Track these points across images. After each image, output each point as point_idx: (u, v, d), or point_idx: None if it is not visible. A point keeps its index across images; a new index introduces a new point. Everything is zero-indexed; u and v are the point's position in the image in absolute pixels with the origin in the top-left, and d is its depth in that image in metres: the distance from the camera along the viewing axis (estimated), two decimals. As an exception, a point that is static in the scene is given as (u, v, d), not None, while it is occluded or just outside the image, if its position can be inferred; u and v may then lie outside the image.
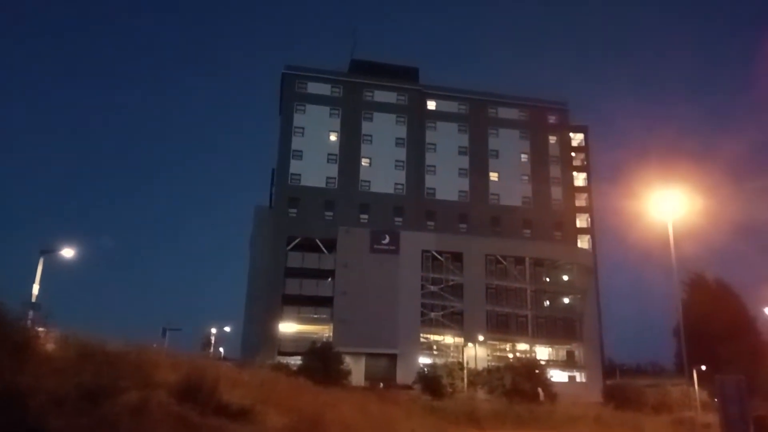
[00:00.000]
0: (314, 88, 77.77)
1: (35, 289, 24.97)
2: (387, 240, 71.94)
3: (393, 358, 67.26)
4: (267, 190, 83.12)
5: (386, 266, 69.87)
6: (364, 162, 76.44)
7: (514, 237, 76.07)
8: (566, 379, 70.71)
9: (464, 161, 79.49)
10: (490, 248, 74.39)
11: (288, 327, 68.61)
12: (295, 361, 56.04)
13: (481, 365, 62.19)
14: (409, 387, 57.44)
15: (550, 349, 74.94)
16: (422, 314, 70.29)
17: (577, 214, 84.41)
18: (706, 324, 54.62)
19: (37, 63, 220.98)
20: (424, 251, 72.55)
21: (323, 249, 70.80)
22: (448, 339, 71.79)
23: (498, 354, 70.99)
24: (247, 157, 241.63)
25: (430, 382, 52.96)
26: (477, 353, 64.25)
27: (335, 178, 74.85)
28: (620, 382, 65.34)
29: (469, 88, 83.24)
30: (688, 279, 66.54)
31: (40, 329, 13.88)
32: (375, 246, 71.38)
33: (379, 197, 74.70)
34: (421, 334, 70.12)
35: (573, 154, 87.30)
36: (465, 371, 56.43)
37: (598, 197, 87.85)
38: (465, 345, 66.56)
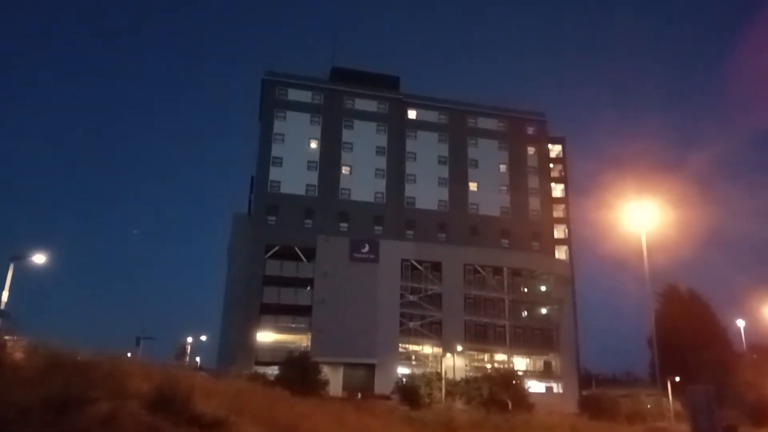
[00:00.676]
0: (295, 95, 77.63)
1: (4, 296, 24.38)
2: (366, 249, 71.82)
3: (371, 368, 66.96)
4: (246, 197, 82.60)
5: (365, 275, 69.69)
6: (345, 170, 76.38)
7: (493, 247, 76.56)
8: (543, 390, 71.08)
9: (444, 171, 79.93)
10: (468, 258, 74.72)
11: (265, 336, 67.90)
12: (273, 371, 55.39)
13: (460, 375, 62.29)
14: (387, 397, 57.18)
15: (528, 359, 75.32)
16: (401, 324, 70.18)
17: (555, 225, 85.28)
18: (679, 334, 55.58)
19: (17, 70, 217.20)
20: (403, 260, 72.58)
21: (302, 257, 70.39)
22: (427, 349, 71.74)
23: (476, 364, 71.16)
24: (226, 163, 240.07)
25: (408, 393, 52.79)
26: (455, 363, 64.33)
27: (315, 186, 74.62)
28: (596, 393, 65.87)
29: (450, 97, 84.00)
30: (661, 290, 67.65)
31: (8, 338, 13.53)
32: (354, 255, 71.20)
33: (359, 206, 74.64)
34: (400, 344, 69.97)
35: (551, 165, 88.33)
36: (443, 381, 56.41)
37: (576, 208, 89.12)
38: (443, 355, 66.58)
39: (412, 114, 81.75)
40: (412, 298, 71.81)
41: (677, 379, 52.04)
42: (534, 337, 74.61)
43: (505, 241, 78.61)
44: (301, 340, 67.98)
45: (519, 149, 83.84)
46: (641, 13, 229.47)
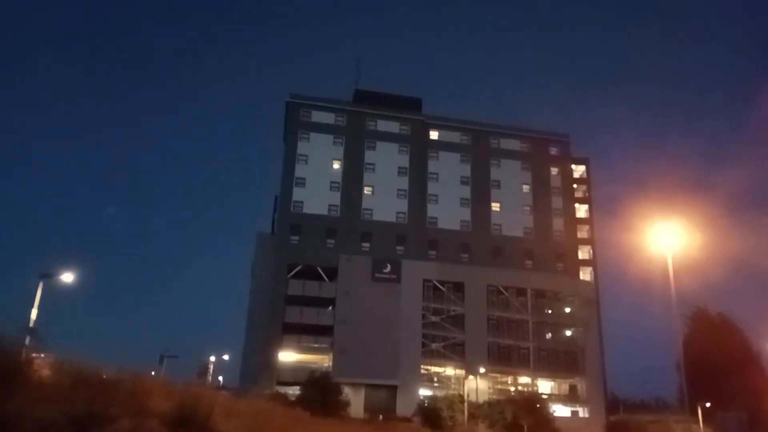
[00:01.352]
0: (318, 116, 78.64)
1: (33, 313, 24.88)
2: (388, 269, 71.72)
3: (393, 389, 66.37)
4: (270, 217, 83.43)
5: (387, 295, 69.51)
6: (367, 190, 76.76)
7: (516, 268, 75.79)
8: (569, 414, 69.55)
9: (466, 191, 79.77)
10: (491, 279, 74.05)
11: (287, 356, 67.94)
12: (294, 391, 55.44)
13: (482, 398, 61.41)
14: (408, 419, 56.66)
15: (553, 382, 73.86)
16: (423, 345, 69.58)
17: (579, 246, 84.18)
18: (710, 359, 54.16)
19: (37, 85, 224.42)
20: (425, 281, 72.23)
21: (324, 277, 70.57)
22: (449, 371, 70.89)
23: (499, 387, 69.99)
24: (250, 184, 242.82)
25: (430, 415, 52.30)
26: (478, 386, 63.43)
27: (338, 206, 75.09)
28: (623, 418, 64.30)
29: (472, 118, 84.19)
30: (690, 313, 66.17)
31: (35, 355, 13.82)
32: (376, 274, 71.13)
33: (381, 226, 74.78)
34: (422, 365, 69.29)
35: (574, 185, 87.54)
36: (465, 404, 55.66)
37: (600, 229, 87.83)
38: (466, 377, 65.71)
39: (434, 135, 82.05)
40: (434, 318, 71.27)
41: (708, 404, 50.56)
42: (559, 360, 73.22)
43: (528, 262, 77.80)
44: (323, 360, 67.83)
45: (542, 170, 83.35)
46: (665, 32, 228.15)
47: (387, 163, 78.06)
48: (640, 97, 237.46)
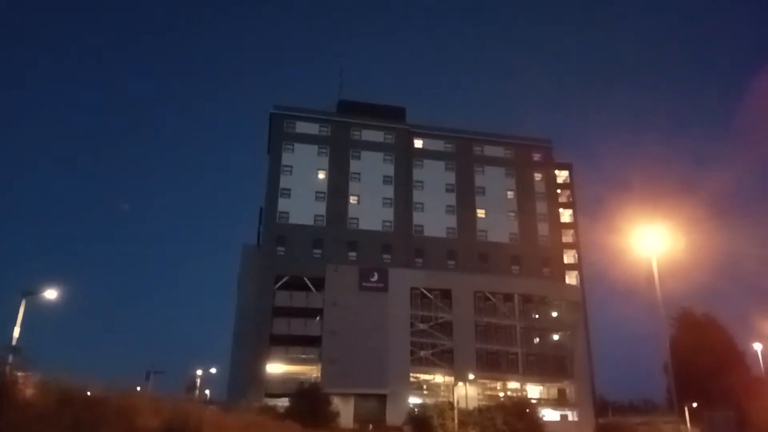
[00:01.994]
0: (302, 127, 78.56)
1: (16, 332, 24.46)
2: (375, 277, 71.62)
3: (383, 398, 66.07)
4: (255, 228, 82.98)
5: (375, 304, 69.34)
6: (353, 200, 76.73)
7: (503, 273, 76.12)
8: (558, 418, 69.79)
9: (451, 198, 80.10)
10: (478, 285, 74.26)
11: (275, 368, 67.39)
12: (283, 403, 55.01)
13: (472, 404, 61.39)
14: (399, 428, 56.52)
15: (542, 387, 74.08)
16: (412, 353, 69.43)
17: (565, 251, 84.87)
18: (696, 359, 54.62)
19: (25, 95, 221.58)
20: (412, 288, 72.22)
21: (311, 287, 70.26)
22: (438, 378, 70.82)
23: (489, 393, 70.07)
24: (234, 195, 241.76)
25: (421, 423, 52.19)
26: (467, 392, 63.40)
27: (323, 216, 74.90)
28: (612, 420, 64.70)
29: (455, 126, 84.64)
30: (676, 314, 66.73)
31: (20, 374, 13.56)
32: (363, 283, 70.98)
33: (367, 234, 74.72)
34: (411, 374, 69.11)
35: (558, 190, 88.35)
36: (456, 411, 55.59)
37: (585, 233, 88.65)
38: (455, 384, 65.67)
39: (418, 143, 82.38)
40: (422, 326, 71.21)
41: (695, 405, 51.01)
42: (547, 364, 73.48)
43: (515, 268, 78.21)
44: (312, 371, 67.36)
45: (526, 176, 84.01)
46: (648, 35, 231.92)
47: (372, 172, 78.15)
48: (624, 101, 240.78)
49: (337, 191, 76.15)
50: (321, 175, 77.05)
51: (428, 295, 72.82)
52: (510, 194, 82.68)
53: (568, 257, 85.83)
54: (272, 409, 47.96)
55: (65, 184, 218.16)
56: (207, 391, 76.03)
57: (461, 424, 54.41)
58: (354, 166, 78.35)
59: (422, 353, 70.06)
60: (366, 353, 65.54)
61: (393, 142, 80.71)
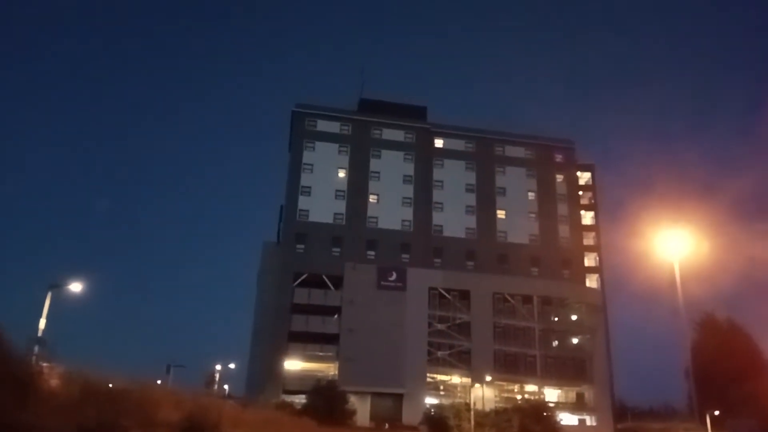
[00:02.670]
0: (323, 125, 78.90)
1: (42, 323, 24.97)
2: (394, 277, 71.65)
3: (399, 397, 66.12)
4: (275, 226, 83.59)
5: (393, 303, 69.38)
6: (372, 198, 76.84)
7: (522, 275, 75.56)
8: (576, 422, 69.09)
9: (471, 198, 79.73)
10: (497, 286, 73.83)
11: (293, 364, 67.86)
12: (300, 399, 55.44)
13: (489, 406, 61.12)
14: (415, 428, 56.51)
15: (560, 390, 73.40)
16: (429, 353, 69.33)
17: (585, 253, 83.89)
18: (719, 365, 53.71)
19: (42, 97, 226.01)
20: (431, 288, 72.08)
21: (330, 285, 70.57)
22: (455, 379, 70.59)
23: (506, 395, 69.63)
24: (255, 193, 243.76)
25: (437, 423, 52.12)
26: (484, 394, 63.12)
27: (343, 215, 75.15)
28: (631, 426, 63.90)
29: (476, 126, 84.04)
30: (699, 319, 65.67)
31: (45, 365, 13.88)
32: (382, 282, 71.06)
33: (386, 234, 74.78)
34: (428, 374, 69.01)
35: (580, 192, 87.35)
36: (472, 412, 55.39)
37: (606, 236, 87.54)
38: (472, 385, 65.41)
39: (439, 143, 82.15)
40: (440, 326, 71.06)
41: (717, 412, 50.14)
42: (566, 368, 72.75)
43: (534, 269, 77.57)
44: (329, 369, 67.69)
45: (547, 177, 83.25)
46: (672, 37, 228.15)
47: (392, 171, 78.17)
48: (646, 102, 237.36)
49: (356, 190, 76.34)
50: (341, 174, 77.32)
51: (446, 295, 72.63)
52: (531, 195, 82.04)
53: (589, 260, 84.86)
54: (290, 406, 48.36)
55: (87, 178, 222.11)
56: (226, 387, 76.88)
57: (478, 425, 54.20)
58: (374, 165, 78.44)
59: (439, 354, 69.92)
60: (383, 352, 65.63)
61: (413, 142, 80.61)
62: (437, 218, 77.83)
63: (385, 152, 79.16)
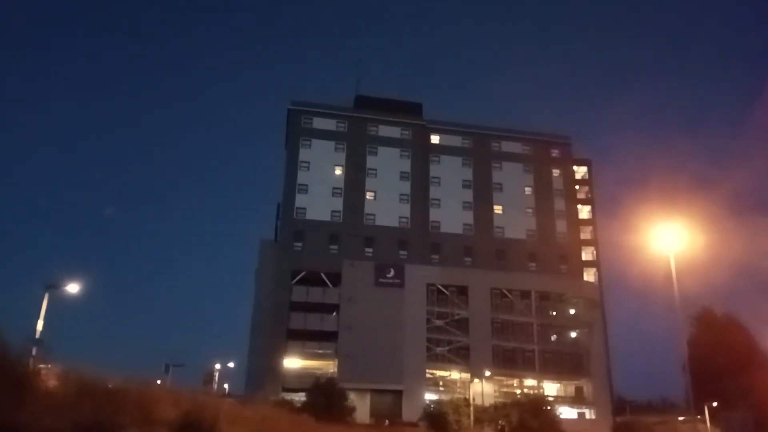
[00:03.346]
0: (320, 123, 78.88)
1: (39, 324, 24.96)
2: (392, 273, 71.75)
3: (398, 394, 66.32)
4: (273, 224, 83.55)
5: (391, 300, 69.51)
6: (369, 196, 76.88)
7: (520, 270, 75.74)
8: (575, 416, 69.40)
9: (468, 194, 79.83)
10: (495, 282, 74.01)
11: (292, 362, 67.97)
12: (300, 397, 55.46)
13: (488, 401, 61.27)
14: (414, 424, 56.61)
15: (558, 384, 73.72)
16: (428, 349, 69.52)
17: (583, 247, 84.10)
18: (716, 358, 53.89)
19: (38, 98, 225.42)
20: (429, 285, 72.22)
21: (328, 283, 70.63)
22: (454, 374, 70.82)
23: (505, 390, 69.87)
24: (252, 191, 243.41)
25: (436, 419, 52.16)
26: (484, 389, 63.30)
27: (340, 212, 75.20)
28: (630, 419, 64.02)
29: (473, 122, 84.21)
30: (695, 313, 65.79)
31: (42, 365, 13.93)
32: (380, 279, 71.16)
33: (383, 231, 74.86)
34: (427, 370, 69.22)
35: (577, 187, 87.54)
36: (471, 408, 55.52)
37: (603, 230, 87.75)
38: (471, 381, 65.59)
39: (435, 139, 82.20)
40: (438, 322, 71.23)
41: (714, 404, 50.38)
42: (564, 362, 73.05)
43: (532, 264, 77.76)
44: (328, 366, 67.84)
45: (544, 172, 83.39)
46: (668, 32, 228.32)
47: (389, 168, 78.21)
48: (642, 97, 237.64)
49: (353, 187, 76.37)
50: (338, 171, 77.34)
51: (444, 291, 72.79)
52: (528, 190, 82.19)
53: (586, 254, 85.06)
54: (289, 404, 48.36)
55: (84, 177, 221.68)
56: (225, 385, 76.87)
57: (477, 420, 54.34)
58: (371, 161, 78.47)
59: (438, 349, 70.12)
60: (382, 349, 65.79)
61: (410, 138, 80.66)
62: (434, 214, 77.93)
63: (381, 149, 79.19)
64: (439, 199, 78.74)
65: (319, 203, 74.54)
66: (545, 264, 77.68)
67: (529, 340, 73.12)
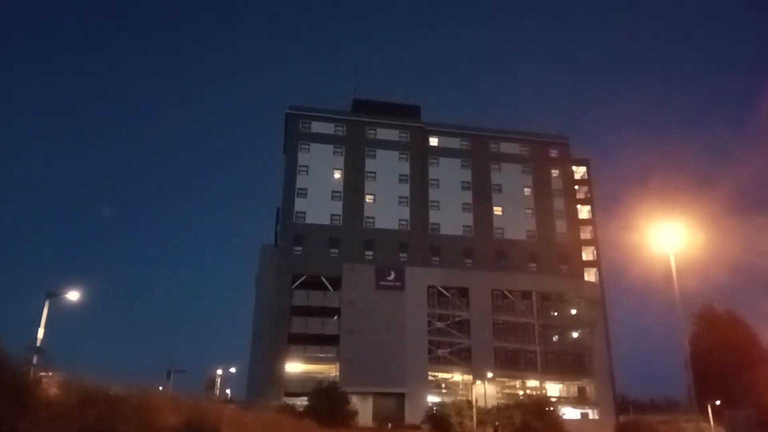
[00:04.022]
0: (318, 127, 78.89)
1: (40, 332, 24.89)
2: (392, 276, 71.67)
3: (401, 397, 66.16)
4: (272, 228, 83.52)
5: (392, 303, 69.42)
6: (368, 199, 76.86)
7: (520, 271, 75.67)
8: (578, 416, 69.29)
9: (468, 196, 79.81)
10: (496, 283, 73.93)
11: (294, 367, 67.83)
12: (302, 401, 55.42)
13: (491, 403, 61.20)
14: (417, 427, 56.57)
15: (561, 385, 73.58)
16: (429, 351, 69.38)
17: (583, 247, 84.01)
18: (718, 357, 53.91)
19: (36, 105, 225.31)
20: (429, 287, 72.14)
21: (329, 286, 70.55)
22: (457, 376, 70.68)
23: (507, 391, 69.76)
24: (252, 196, 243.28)
25: (439, 421, 52.18)
26: (486, 391, 63.21)
27: (340, 216, 75.15)
28: (633, 419, 64.05)
29: (471, 124, 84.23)
30: (697, 311, 65.81)
31: (43, 373, 13.89)
32: (380, 282, 71.07)
33: (383, 233, 74.81)
34: (429, 372, 69.07)
35: (576, 187, 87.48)
36: (474, 409, 55.47)
37: (603, 229, 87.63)
38: (474, 382, 65.49)
39: (433, 141, 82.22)
40: (439, 325, 71.11)
41: (718, 403, 50.35)
42: (566, 362, 72.92)
43: (532, 265, 77.68)
44: (330, 370, 67.69)
45: (543, 172, 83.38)
46: (667, 31, 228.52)
47: (387, 171, 78.21)
48: (641, 96, 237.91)
49: (353, 190, 76.35)
50: (337, 175, 77.32)
51: (445, 293, 72.69)
52: (527, 191, 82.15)
53: (587, 254, 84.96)
54: (291, 408, 48.32)
55: (84, 183, 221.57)
56: (227, 390, 76.82)
57: (480, 422, 54.29)
58: (369, 165, 78.46)
59: (440, 352, 69.99)
60: (384, 352, 65.66)
61: (408, 141, 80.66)
62: (434, 217, 77.89)
63: (380, 152, 79.20)
64: (438, 201, 78.72)
65: (318, 207, 74.52)
66: (546, 264, 77.62)
67: (531, 340, 72.99)
